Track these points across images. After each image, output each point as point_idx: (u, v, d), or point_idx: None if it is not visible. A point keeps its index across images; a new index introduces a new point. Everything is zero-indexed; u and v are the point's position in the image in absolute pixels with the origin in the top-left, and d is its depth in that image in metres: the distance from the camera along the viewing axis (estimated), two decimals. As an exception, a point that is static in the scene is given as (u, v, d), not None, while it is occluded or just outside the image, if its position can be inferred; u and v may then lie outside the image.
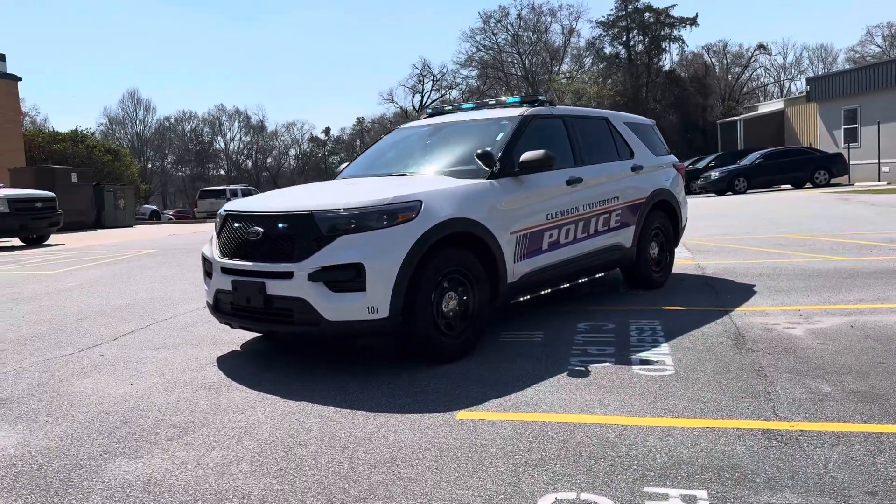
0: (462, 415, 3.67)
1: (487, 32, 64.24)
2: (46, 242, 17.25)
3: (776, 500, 2.64)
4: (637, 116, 7.53)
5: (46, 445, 3.51)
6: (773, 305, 6.00)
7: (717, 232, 12.52)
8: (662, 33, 57.30)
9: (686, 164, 34.08)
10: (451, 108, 6.64)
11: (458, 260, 4.69)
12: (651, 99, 57.95)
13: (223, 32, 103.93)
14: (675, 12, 55.63)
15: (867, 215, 13.90)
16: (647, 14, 56.20)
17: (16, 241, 17.48)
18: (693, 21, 55.71)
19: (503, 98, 6.35)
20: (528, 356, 4.75)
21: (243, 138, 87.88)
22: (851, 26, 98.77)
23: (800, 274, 7.44)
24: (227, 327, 5.25)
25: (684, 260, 8.92)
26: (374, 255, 4.27)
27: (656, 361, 4.49)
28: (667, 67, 59.50)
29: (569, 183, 5.72)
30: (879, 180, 26.67)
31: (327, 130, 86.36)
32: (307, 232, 4.39)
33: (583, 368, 4.40)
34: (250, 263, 4.58)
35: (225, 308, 4.84)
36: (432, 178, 5.19)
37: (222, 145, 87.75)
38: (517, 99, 6.10)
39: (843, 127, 29.63)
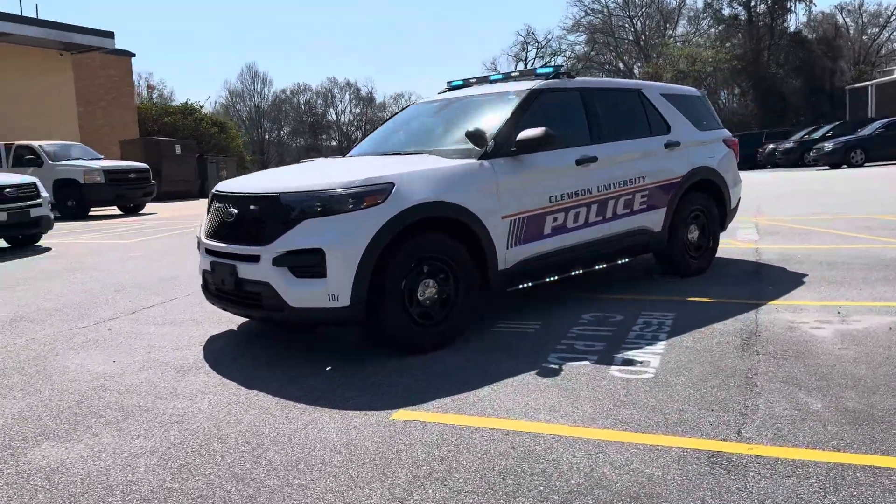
0: (398, 414, 3.47)
1: (598, -6, 61.97)
2: (142, 211, 18.21)
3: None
4: (681, 87, 6.92)
5: (-10, 424, 3.59)
6: (814, 300, 5.38)
7: (806, 211, 11.54)
8: (788, -8, 53.36)
9: (801, 133, 31.84)
10: (476, 80, 6.31)
11: (436, 245, 4.45)
12: (773, 63, 54.35)
13: (334, 6, 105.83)
14: (802, -31, 51.57)
15: None
16: (770, -29, 52.48)
17: (114, 210, 18.56)
18: (823, -22, 51.39)
19: (529, 69, 5.95)
20: (508, 349, 4.47)
21: (353, 110, 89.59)
22: None
23: (866, 263, 6.67)
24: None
25: (745, 243, 8.24)
26: (336, 240, 4.10)
27: (641, 362, 4.10)
28: (792, 29, 55.48)
29: (579, 162, 5.30)
30: None
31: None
32: (274, 215, 4.27)
33: (556, 367, 4.08)
34: (224, 245, 4.53)
35: (210, 289, 4.84)
36: (419, 159, 4.94)
37: (334, 117, 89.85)
38: (550, 69, 5.70)
39: None
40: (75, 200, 16.13)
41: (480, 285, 4.78)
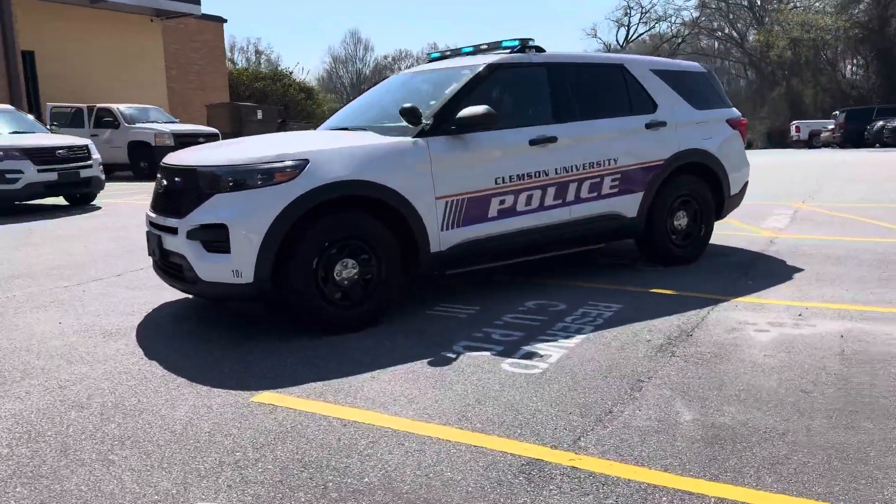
0: (260, 396, 3.46)
1: (710, -46, 58.71)
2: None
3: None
4: (681, 62, 6.46)
5: None
6: (785, 298, 4.97)
7: (866, 198, 10.65)
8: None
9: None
10: (450, 52, 6.12)
11: (355, 225, 4.38)
12: (903, 33, 49.87)
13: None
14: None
15: None
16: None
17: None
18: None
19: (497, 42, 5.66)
20: (424, 334, 4.37)
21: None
22: None
23: (881, 261, 6.09)
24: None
25: (766, 231, 7.71)
26: (241, 215, 4.11)
27: (542, 356, 3.92)
28: (925, -5, 50.60)
29: (534, 143, 5.07)
30: None
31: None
32: (191, 188, 4.32)
33: (455, 356, 3.96)
34: (154, 216, 4.64)
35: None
36: (354, 135, 4.86)
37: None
38: (516, 42, 5.45)
39: None
40: (147, 162, 16.94)
41: (411, 267, 4.68)
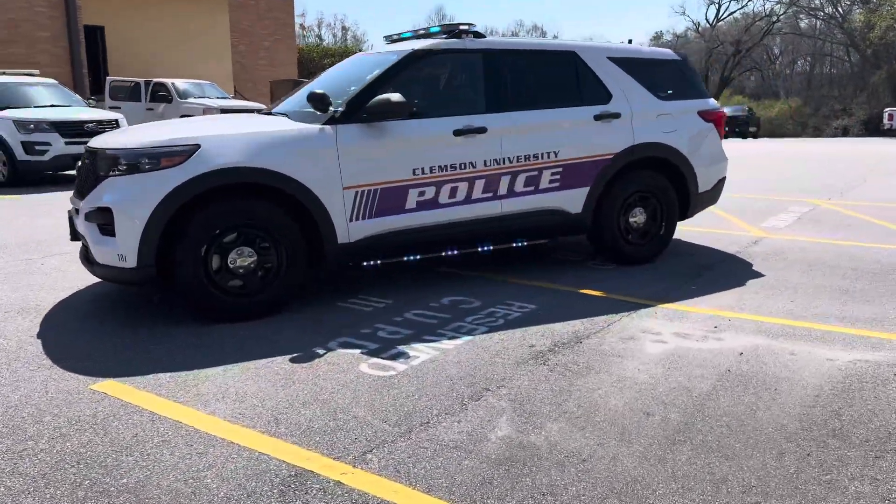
0: (100, 385, 3.48)
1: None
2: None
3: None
4: (649, 49, 6.08)
5: None
6: (714, 308, 4.64)
7: (892, 195, 9.88)
8: None
9: None
10: (396, 36, 5.95)
11: (251, 213, 4.33)
12: None
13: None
14: None
15: None
16: None
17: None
18: None
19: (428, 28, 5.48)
20: (315, 326, 4.30)
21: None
22: None
23: (857, 269, 5.63)
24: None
25: (757, 231, 7.22)
26: (124, 199, 4.13)
27: (410, 357, 3.79)
28: None
29: (460, 133, 4.88)
30: None
31: (629, 43, 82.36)
32: (94, 170, 4.37)
33: (322, 352, 3.88)
34: (71, 195, 4.73)
35: None
36: (264, 120, 4.80)
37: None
38: (437, 28, 5.27)
39: None
40: (196, 136, 17.39)
41: (317, 258, 4.61)
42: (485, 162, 4.97)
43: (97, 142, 4.59)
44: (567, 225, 5.40)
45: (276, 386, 3.43)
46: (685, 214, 5.98)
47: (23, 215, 8.43)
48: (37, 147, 10.82)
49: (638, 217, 5.69)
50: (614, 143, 5.43)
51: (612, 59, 5.59)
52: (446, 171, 4.85)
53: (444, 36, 5.20)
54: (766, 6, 58.54)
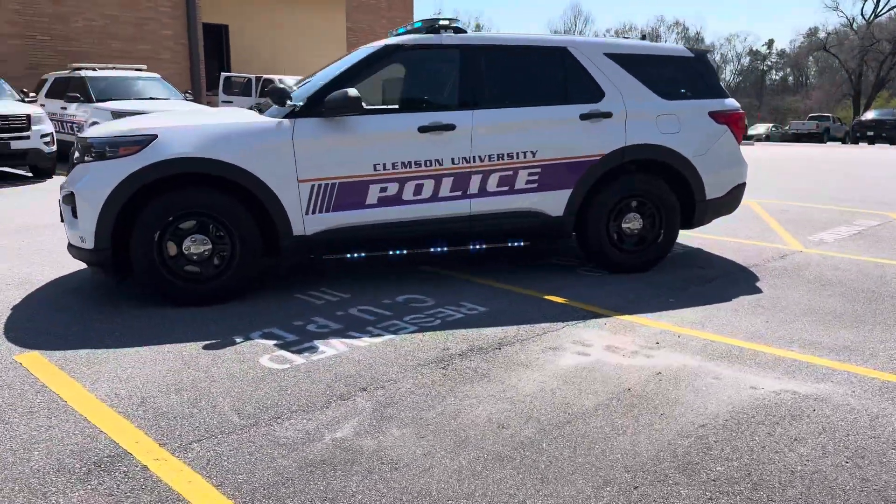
0: (21, 356, 3.72)
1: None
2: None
3: None
4: (656, 46, 5.69)
5: None
6: (671, 323, 4.32)
7: None
8: None
9: None
10: (395, 32, 5.91)
11: (205, 203, 4.49)
12: None
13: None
14: None
15: None
16: None
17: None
18: None
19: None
20: (247, 316, 4.39)
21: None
22: None
23: (867, 292, 5.05)
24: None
25: (798, 244, 6.63)
26: (85, 185, 4.40)
27: (317, 352, 3.79)
28: None
29: (425, 130, 4.81)
30: None
31: (770, 43, 77.67)
32: (76, 156, 4.68)
33: (241, 340, 3.96)
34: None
35: None
36: (230, 112, 4.94)
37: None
38: (419, 23, 5.21)
39: None
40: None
41: (274, 249, 4.71)
42: (452, 160, 4.87)
43: (85, 132, 4.90)
44: (546, 228, 5.18)
45: (169, 370, 3.53)
46: (691, 223, 5.57)
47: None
48: None
49: (632, 223, 5.38)
50: (602, 143, 5.15)
51: (610, 55, 5.30)
52: (410, 167, 4.79)
53: (424, 30, 5.12)
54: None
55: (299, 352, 3.78)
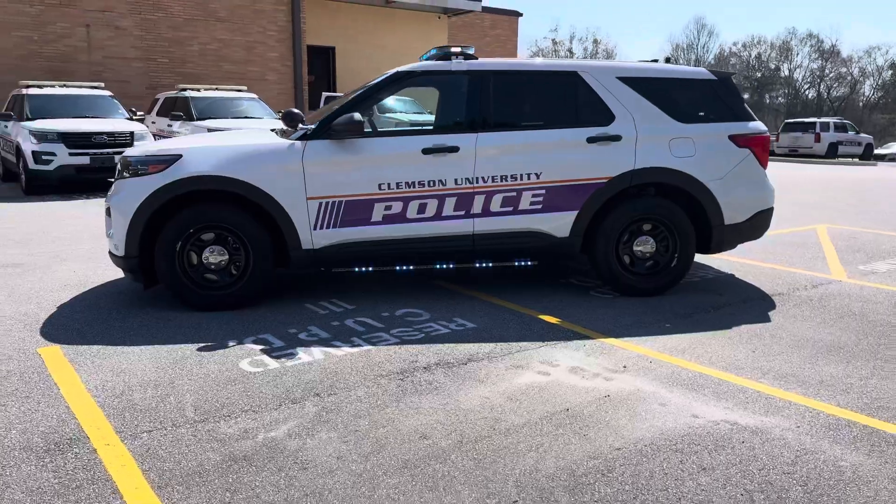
0: (43, 348, 4.22)
1: None
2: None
3: None
4: (675, 68, 5.59)
5: None
6: (653, 349, 4.30)
7: None
8: None
9: None
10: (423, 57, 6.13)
11: (221, 216, 4.90)
12: None
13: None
14: None
15: None
16: None
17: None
18: None
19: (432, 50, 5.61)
20: (249, 322, 4.72)
21: (810, 65, 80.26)
22: None
23: (886, 326, 4.80)
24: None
25: (842, 273, 6.32)
26: (118, 199, 4.93)
27: (293, 357, 4.08)
28: None
29: (428, 151, 5.03)
30: None
31: (914, 56, 72.12)
32: (118, 172, 5.22)
33: (233, 344, 4.31)
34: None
35: None
36: (253, 134, 5.34)
37: (786, 72, 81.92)
38: (435, 50, 5.43)
39: None
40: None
41: (282, 261, 5.06)
42: (455, 180, 5.05)
43: (127, 151, 5.46)
44: (552, 248, 5.26)
45: (157, 368, 3.91)
46: (709, 248, 5.48)
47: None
48: (44, 157, 11.33)
49: (645, 246, 5.35)
50: (609, 166, 5.18)
51: (623, 79, 5.33)
52: (414, 187, 5.02)
53: (437, 57, 5.34)
54: None
55: (278, 357, 4.07)
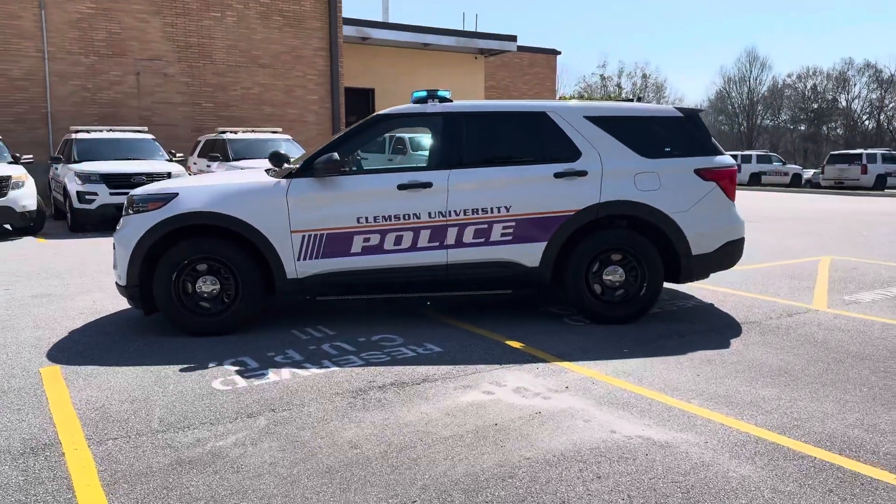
0: (44, 367, 4.69)
1: None
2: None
3: None
4: (643, 106, 5.86)
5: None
6: (601, 372, 4.52)
7: None
8: None
9: None
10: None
11: (212, 249, 5.34)
12: None
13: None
14: None
15: None
16: None
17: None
18: None
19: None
20: (233, 345, 5.10)
21: (869, 95, 78.56)
22: None
23: (842, 354, 4.91)
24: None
25: (820, 302, 6.40)
26: (122, 234, 5.43)
27: (263, 377, 4.44)
28: None
29: (403, 187, 5.41)
30: None
31: (980, 86, 70.01)
32: (125, 209, 5.75)
33: (213, 365, 4.69)
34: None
35: None
36: (245, 173, 5.81)
37: (844, 103, 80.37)
38: (423, 93, 5.84)
39: None
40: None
41: (269, 289, 5.47)
42: (429, 214, 5.40)
43: (133, 190, 5.99)
44: (523, 278, 5.54)
45: (138, 386, 4.31)
46: (677, 278, 5.68)
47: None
48: (87, 196, 12.20)
49: (614, 276, 5.59)
50: (576, 200, 5.46)
51: (589, 118, 5.63)
52: (390, 220, 5.39)
53: (416, 100, 5.75)
54: None
55: (249, 377, 4.44)
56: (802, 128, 79.45)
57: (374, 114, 5.69)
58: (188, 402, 4.02)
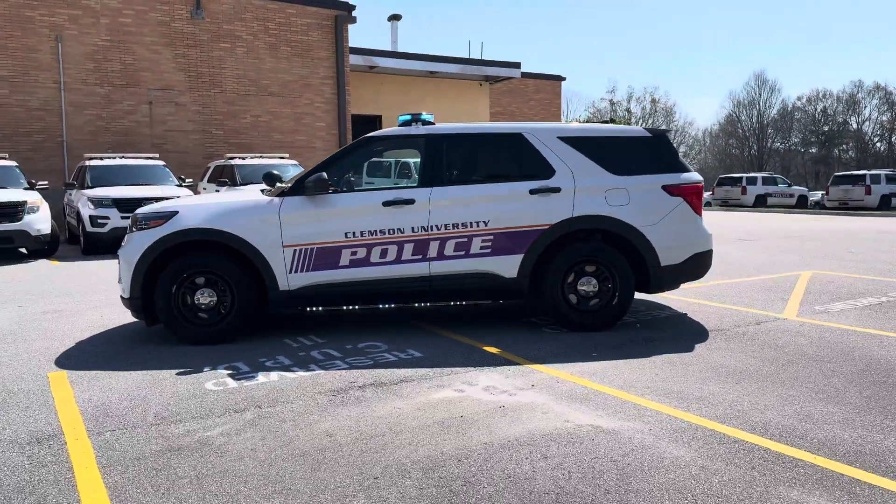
0: (52, 372, 5.07)
1: None
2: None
3: None
4: (613, 128, 6.23)
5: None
6: (568, 372, 4.84)
7: None
8: None
9: None
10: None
11: (209, 263, 5.73)
12: None
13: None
14: None
15: None
16: None
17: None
18: None
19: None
20: (230, 352, 5.47)
21: (880, 117, 78.67)
22: None
23: (801, 357, 5.20)
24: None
25: (801, 317, 6.69)
26: (125, 250, 5.83)
27: (253, 379, 4.78)
28: None
29: (388, 204, 5.79)
30: None
31: None
32: (129, 227, 6.16)
33: (208, 369, 5.04)
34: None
35: None
36: (240, 194, 6.22)
37: (855, 125, 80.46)
38: (408, 117, 6.24)
39: None
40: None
41: (262, 301, 5.85)
42: (412, 228, 5.77)
43: (138, 209, 6.41)
44: (502, 288, 5.88)
45: (138, 387, 4.67)
46: (647, 288, 6.00)
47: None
48: (99, 220, 12.68)
49: (588, 286, 5.92)
50: (550, 214, 5.82)
51: (563, 138, 6.01)
52: (376, 235, 5.76)
53: (404, 123, 6.16)
54: None
55: (240, 379, 4.79)
56: (813, 150, 79.54)
57: (363, 136, 6.09)
58: (182, 401, 4.37)
